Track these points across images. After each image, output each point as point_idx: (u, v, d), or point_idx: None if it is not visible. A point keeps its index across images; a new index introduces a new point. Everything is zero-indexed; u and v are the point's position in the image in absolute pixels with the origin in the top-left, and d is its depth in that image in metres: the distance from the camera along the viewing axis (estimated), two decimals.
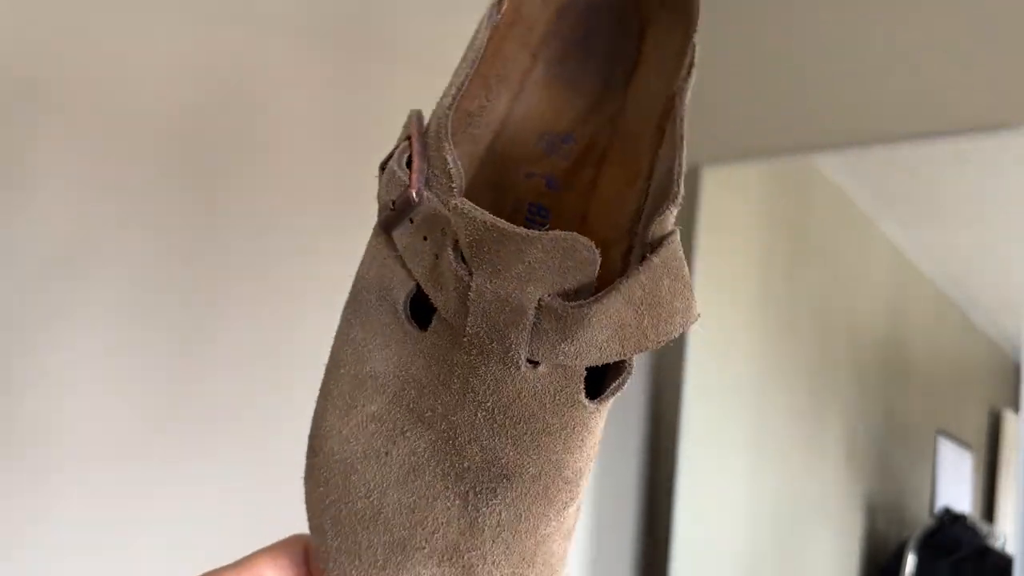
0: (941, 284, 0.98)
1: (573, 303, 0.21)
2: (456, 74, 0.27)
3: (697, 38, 0.24)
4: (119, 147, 0.61)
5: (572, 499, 0.23)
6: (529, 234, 0.21)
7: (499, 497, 0.22)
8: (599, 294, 0.21)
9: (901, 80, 0.95)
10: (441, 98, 0.26)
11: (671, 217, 0.23)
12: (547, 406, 0.22)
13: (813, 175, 1.04)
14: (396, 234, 0.24)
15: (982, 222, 0.95)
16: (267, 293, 0.69)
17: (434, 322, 0.23)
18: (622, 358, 0.22)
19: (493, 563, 0.22)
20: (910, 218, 1.00)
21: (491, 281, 0.21)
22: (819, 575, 1.00)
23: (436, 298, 0.23)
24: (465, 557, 0.22)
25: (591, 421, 0.23)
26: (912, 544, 0.91)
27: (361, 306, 0.25)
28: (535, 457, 0.22)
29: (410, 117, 0.26)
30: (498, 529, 0.22)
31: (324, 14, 0.75)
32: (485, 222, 0.21)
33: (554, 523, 0.23)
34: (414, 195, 0.23)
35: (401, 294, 0.24)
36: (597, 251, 0.21)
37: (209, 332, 0.65)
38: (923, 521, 0.93)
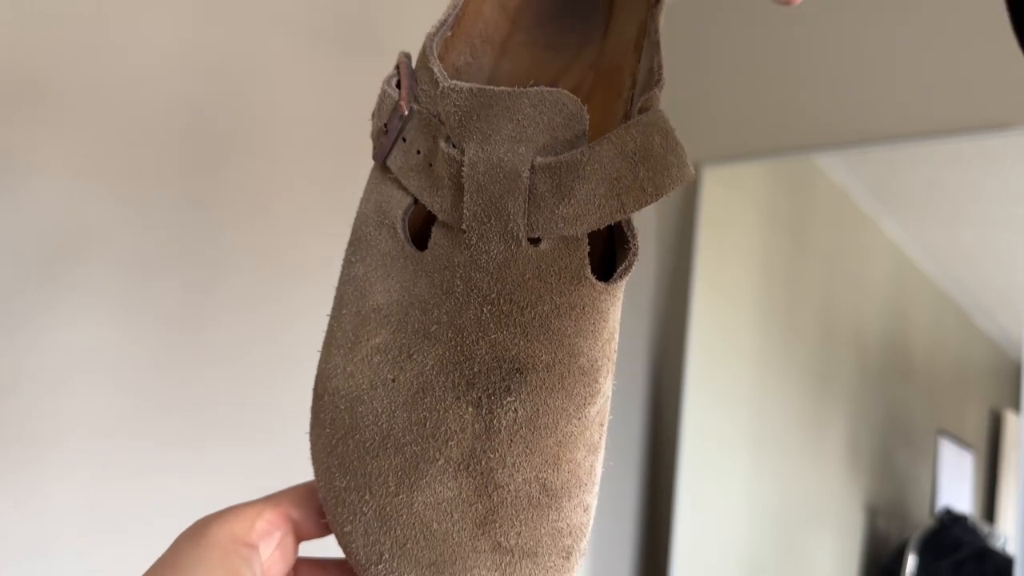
0: (942, 284, 0.98)
1: (566, 154, 0.21)
2: (442, 16, 0.28)
3: None
4: (118, 143, 0.61)
5: (591, 395, 0.22)
6: (515, 91, 0.21)
7: (513, 394, 0.21)
8: (592, 143, 0.21)
9: (902, 80, 0.95)
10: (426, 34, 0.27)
11: (657, 96, 0.22)
12: (553, 285, 0.21)
13: (814, 174, 1.04)
14: (391, 160, 0.24)
15: (983, 222, 0.95)
16: (264, 289, 0.69)
17: (433, 234, 0.22)
18: (623, 215, 0.21)
19: (513, 466, 0.21)
20: (911, 218, 1.00)
21: (483, 149, 0.21)
22: (820, 575, 0.99)
23: (433, 203, 0.22)
24: (482, 463, 0.21)
25: (601, 303, 0.22)
26: (913, 545, 0.91)
27: (360, 242, 0.25)
28: (546, 343, 0.21)
29: (399, 56, 0.26)
30: (515, 428, 0.21)
31: (324, 14, 0.75)
32: (472, 89, 0.21)
33: (575, 422, 0.22)
34: (404, 108, 0.24)
35: (399, 211, 0.24)
36: (584, 106, 0.21)
37: (206, 326, 0.65)
38: (924, 521, 0.93)
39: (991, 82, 0.88)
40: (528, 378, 0.21)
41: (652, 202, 0.21)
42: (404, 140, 0.24)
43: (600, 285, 0.22)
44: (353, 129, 0.78)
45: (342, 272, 0.25)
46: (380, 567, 0.21)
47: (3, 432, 0.54)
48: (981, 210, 0.95)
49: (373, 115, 0.26)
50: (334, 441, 0.23)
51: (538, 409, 0.21)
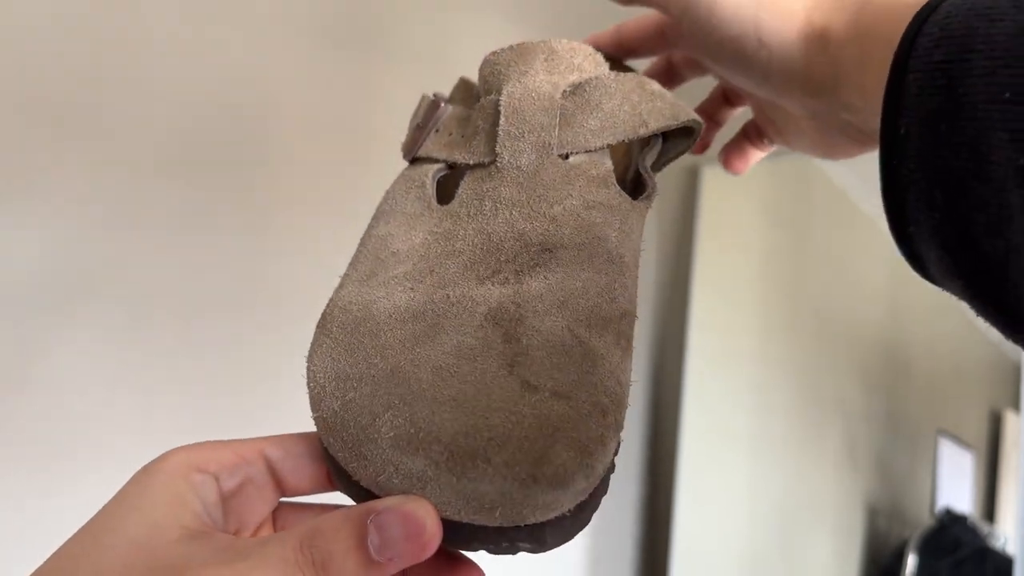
0: None
1: (593, 76, 0.24)
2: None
3: None
4: (119, 147, 0.61)
5: (619, 283, 0.22)
6: (547, 39, 0.25)
7: (543, 266, 0.22)
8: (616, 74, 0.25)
9: None
10: None
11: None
12: (582, 186, 0.23)
13: (814, 175, 1.04)
14: (422, 150, 0.26)
15: None
16: (267, 288, 0.69)
17: (459, 187, 0.24)
18: (645, 131, 0.24)
19: (545, 312, 0.21)
20: None
21: (520, 82, 0.24)
22: (820, 575, 0.99)
23: (466, 155, 0.24)
24: (511, 311, 0.21)
25: (626, 210, 0.23)
26: (913, 544, 0.91)
27: (383, 213, 0.26)
28: (576, 228, 0.22)
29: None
30: (546, 286, 0.21)
31: (324, 14, 0.75)
32: (511, 45, 0.25)
33: (606, 297, 0.22)
34: (442, 102, 0.27)
35: (429, 174, 0.25)
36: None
37: (209, 328, 0.65)
38: (924, 521, 0.93)
39: None
40: (558, 254, 0.22)
41: (670, 126, 0.24)
42: (437, 131, 0.26)
43: (625, 195, 0.24)
44: (355, 133, 0.78)
45: (361, 240, 0.26)
46: (388, 414, 0.20)
47: (12, 441, 0.54)
48: None
49: (407, 135, 0.28)
50: (342, 336, 0.22)
51: (569, 275, 0.22)
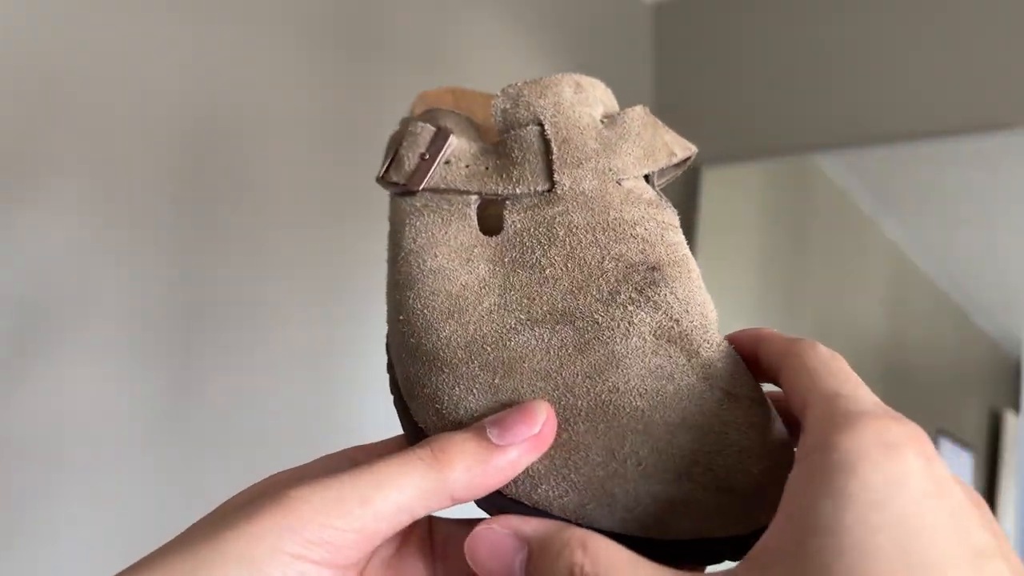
0: (941, 284, 0.98)
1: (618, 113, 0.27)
2: None
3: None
4: (119, 149, 0.61)
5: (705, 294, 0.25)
6: (562, 74, 0.27)
7: (660, 284, 0.24)
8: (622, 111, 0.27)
9: (902, 80, 0.95)
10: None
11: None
12: (645, 208, 0.25)
13: (813, 175, 1.04)
14: (433, 182, 0.26)
15: (982, 222, 0.95)
16: (265, 289, 0.69)
17: (505, 219, 0.25)
18: (674, 157, 0.26)
19: (699, 325, 0.23)
20: (910, 218, 1.00)
21: (558, 111, 0.25)
22: None
23: (507, 187, 0.25)
24: (676, 328, 0.23)
25: (677, 225, 0.26)
26: None
27: (423, 246, 0.26)
28: (665, 248, 0.24)
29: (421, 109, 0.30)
30: (680, 299, 0.24)
31: (324, 14, 0.75)
32: (531, 80, 0.26)
33: (711, 309, 0.24)
34: (450, 134, 0.26)
35: (470, 205, 0.26)
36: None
37: (208, 330, 0.65)
38: None
39: (991, 82, 0.88)
40: (665, 272, 0.23)
41: (687, 156, 0.26)
42: (447, 163, 0.26)
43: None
44: (355, 133, 0.78)
45: (407, 275, 0.25)
46: (627, 447, 0.21)
47: (11, 440, 0.54)
48: (981, 210, 0.95)
49: (395, 155, 0.27)
50: (504, 381, 0.23)
51: (688, 289, 0.23)
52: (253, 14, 0.70)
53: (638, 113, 0.26)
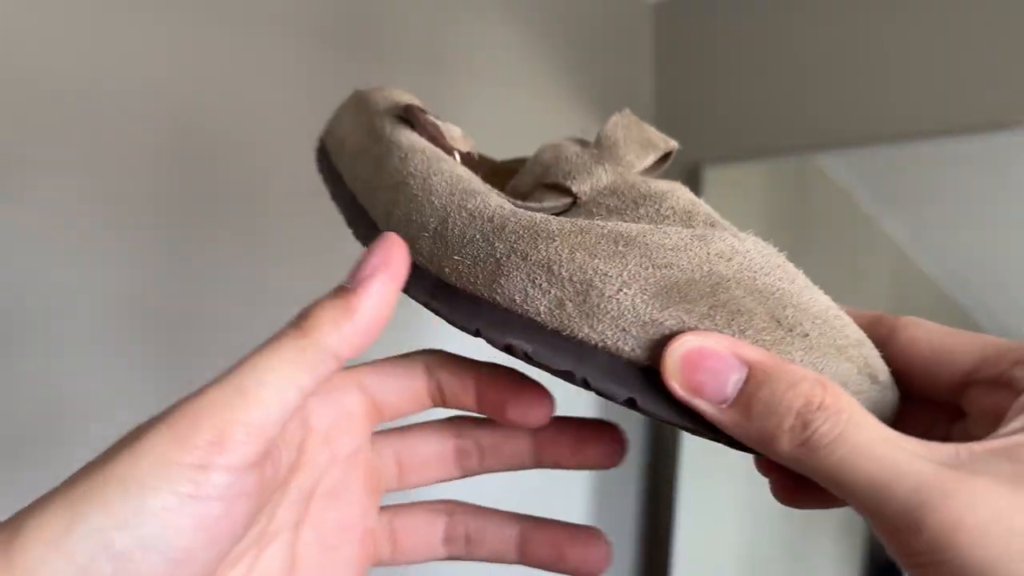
0: (943, 284, 0.98)
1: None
2: None
3: None
4: (116, 149, 0.61)
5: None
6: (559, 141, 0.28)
7: (722, 227, 0.24)
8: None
9: (903, 80, 0.94)
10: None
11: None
12: (652, 182, 0.25)
13: (815, 174, 1.04)
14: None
15: (985, 222, 0.95)
16: (266, 290, 0.69)
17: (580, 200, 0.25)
18: (659, 148, 0.27)
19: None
20: (912, 218, 1.00)
21: (551, 148, 0.27)
22: (822, 575, 0.99)
23: (534, 206, 0.25)
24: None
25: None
26: None
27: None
28: (705, 214, 0.25)
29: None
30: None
31: (323, 14, 0.75)
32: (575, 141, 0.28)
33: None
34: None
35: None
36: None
37: (204, 325, 0.65)
38: None
39: (991, 82, 0.88)
40: (721, 222, 0.24)
41: (672, 146, 0.27)
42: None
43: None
44: None
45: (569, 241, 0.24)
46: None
47: (8, 437, 0.54)
48: (982, 210, 0.95)
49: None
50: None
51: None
52: (252, 14, 0.69)
53: (616, 118, 0.26)
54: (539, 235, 0.21)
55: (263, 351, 0.20)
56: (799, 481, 0.22)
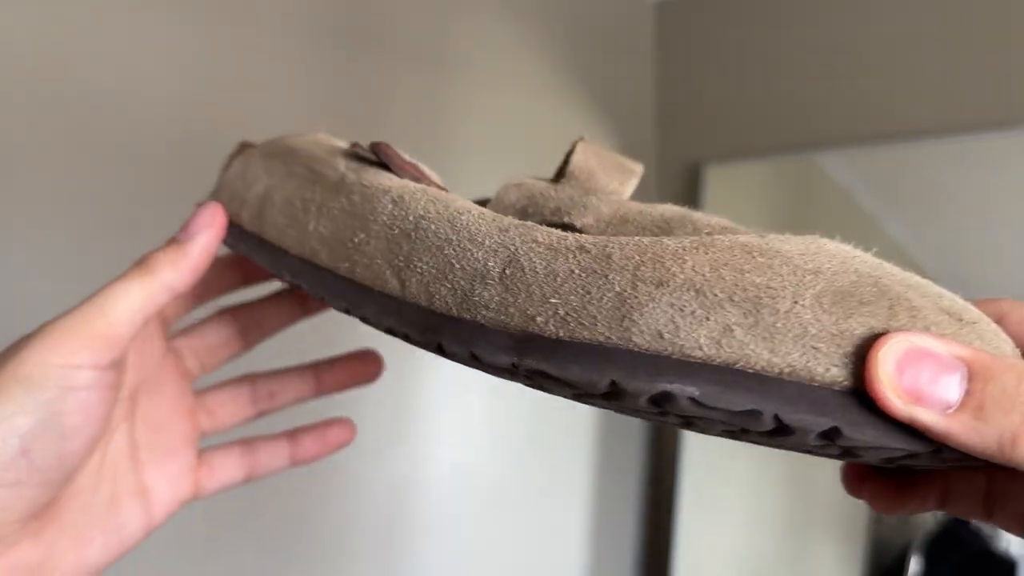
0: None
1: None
2: None
3: None
4: (115, 150, 0.61)
5: None
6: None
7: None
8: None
9: (904, 79, 0.94)
10: None
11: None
12: (649, 206, 0.25)
13: (816, 174, 1.04)
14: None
15: (987, 222, 0.95)
16: (265, 290, 0.69)
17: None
18: (632, 169, 0.27)
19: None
20: (914, 218, 0.99)
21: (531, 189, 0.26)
22: None
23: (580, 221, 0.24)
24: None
25: None
26: (916, 546, 0.91)
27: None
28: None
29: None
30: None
31: (323, 14, 0.75)
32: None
33: None
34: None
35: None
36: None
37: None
38: (927, 523, 0.93)
39: (991, 82, 0.88)
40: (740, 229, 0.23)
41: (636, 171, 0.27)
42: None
43: None
44: (355, 134, 0.77)
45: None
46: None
47: None
48: (983, 210, 0.95)
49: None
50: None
51: None
52: (251, 14, 0.69)
53: (581, 146, 0.26)
54: (663, 257, 0.18)
55: (118, 283, 0.27)
56: (901, 487, 0.23)
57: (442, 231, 0.22)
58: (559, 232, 0.20)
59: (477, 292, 0.20)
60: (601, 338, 0.18)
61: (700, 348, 0.17)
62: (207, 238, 0.29)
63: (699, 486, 1.02)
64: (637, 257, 0.18)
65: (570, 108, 1.02)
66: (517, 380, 0.21)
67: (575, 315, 0.18)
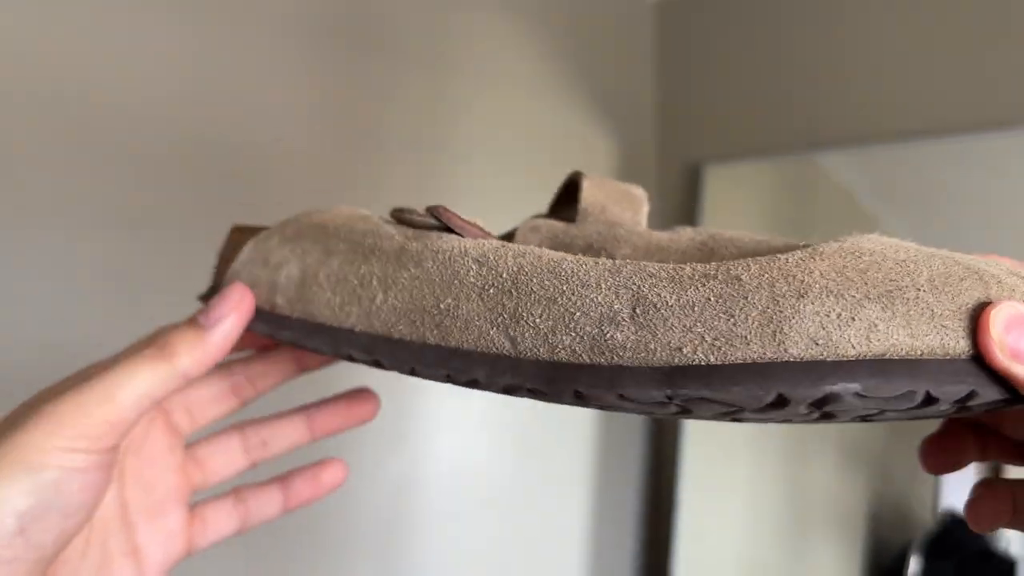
0: None
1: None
2: None
3: None
4: (115, 150, 0.61)
5: None
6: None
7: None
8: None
9: (904, 79, 0.94)
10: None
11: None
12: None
13: (817, 174, 1.04)
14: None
15: (987, 222, 0.95)
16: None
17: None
18: (638, 196, 0.29)
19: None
20: (914, 218, 0.99)
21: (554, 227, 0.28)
22: None
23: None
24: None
25: None
26: (916, 547, 0.91)
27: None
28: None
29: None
30: None
31: (323, 14, 0.75)
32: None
33: None
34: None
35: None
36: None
37: None
38: (927, 524, 0.93)
39: (991, 82, 0.88)
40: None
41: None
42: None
43: None
44: (356, 133, 0.77)
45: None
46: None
47: None
48: (983, 210, 0.95)
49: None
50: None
51: None
52: (251, 14, 0.69)
53: (587, 182, 0.26)
54: (791, 270, 0.19)
55: (129, 362, 0.26)
56: (957, 445, 0.28)
57: (547, 282, 0.22)
58: (667, 264, 0.21)
59: (609, 335, 0.21)
60: (756, 356, 0.19)
61: (852, 347, 0.19)
62: (230, 325, 0.27)
63: (699, 486, 1.02)
64: (767, 275, 0.19)
65: (570, 108, 1.02)
66: (665, 411, 0.21)
67: (724, 339, 0.19)
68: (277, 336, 0.28)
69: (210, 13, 0.66)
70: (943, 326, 0.19)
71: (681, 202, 1.10)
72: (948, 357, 0.19)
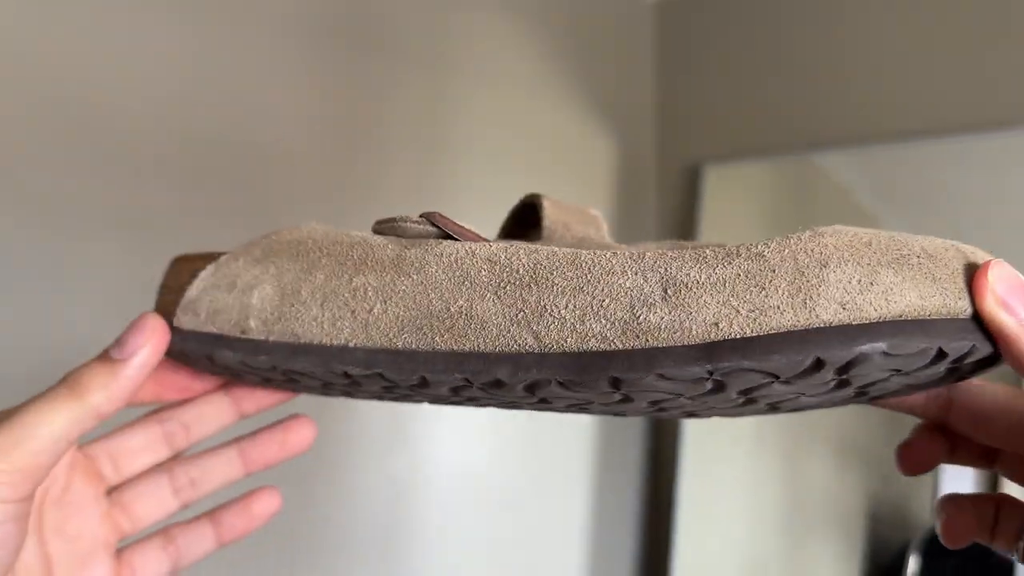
0: None
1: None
2: None
3: None
4: (115, 151, 0.61)
5: None
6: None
7: None
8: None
9: (904, 79, 0.94)
10: None
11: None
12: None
13: (816, 174, 1.04)
14: None
15: (987, 222, 0.95)
16: None
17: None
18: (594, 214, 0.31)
19: None
20: (914, 218, 0.99)
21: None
22: None
23: None
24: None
25: None
26: (914, 546, 0.91)
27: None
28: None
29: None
30: None
31: (323, 14, 0.75)
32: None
33: None
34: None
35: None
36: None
37: None
38: (925, 523, 0.93)
39: (991, 82, 0.88)
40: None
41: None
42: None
43: None
44: (356, 133, 0.77)
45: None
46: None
47: None
48: (983, 210, 0.95)
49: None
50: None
51: None
52: (251, 14, 0.69)
53: (547, 203, 0.27)
54: (805, 243, 0.21)
55: (40, 404, 0.24)
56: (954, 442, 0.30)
57: (570, 273, 0.22)
58: (686, 249, 0.22)
59: (642, 317, 0.21)
60: (790, 324, 0.20)
61: (875, 309, 0.20)
62: (145, 356, 0.26)
63: (698, 486, 1.02)
64: (786, 249, 0.21)
65: (569, 108, 1.02)
66: (703, 387, 0.22)
67: (759, 310, 0.20)
68: (254, 362, 0.26)
69: (210, 13, 0.66)
70: (944, 288, 0.20)
71: (681, 202, 1.10)
72: (951, 316, 0.20)
